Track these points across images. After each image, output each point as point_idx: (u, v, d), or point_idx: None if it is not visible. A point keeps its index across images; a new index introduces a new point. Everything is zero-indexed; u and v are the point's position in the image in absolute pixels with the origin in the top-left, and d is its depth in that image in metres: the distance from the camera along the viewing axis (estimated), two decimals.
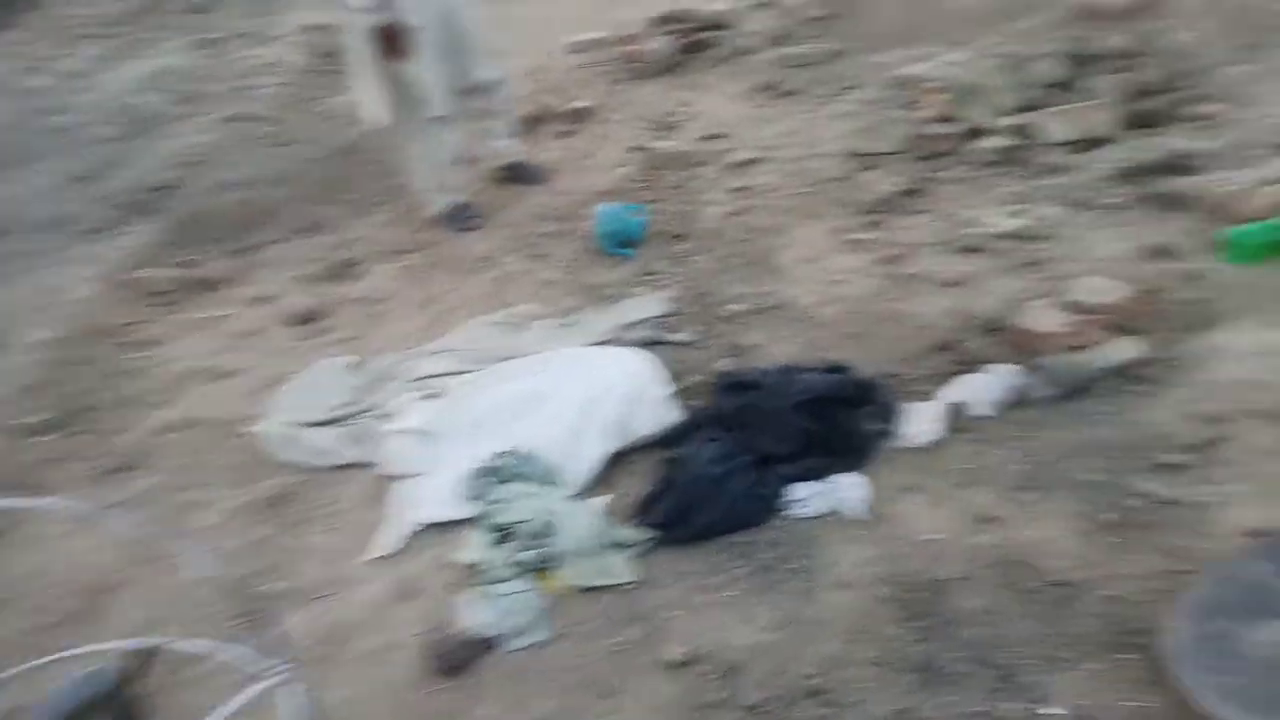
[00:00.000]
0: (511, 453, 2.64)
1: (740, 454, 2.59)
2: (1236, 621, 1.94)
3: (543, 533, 2.43)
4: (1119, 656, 1.99)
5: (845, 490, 2.50)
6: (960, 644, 2.09)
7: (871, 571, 2.31)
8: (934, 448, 2.60)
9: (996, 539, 2.31)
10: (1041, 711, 1.92)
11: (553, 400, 2.70)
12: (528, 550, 2.39)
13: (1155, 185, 3.47)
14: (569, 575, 2.39)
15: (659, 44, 5.33)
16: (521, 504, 2.47)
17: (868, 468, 2.58)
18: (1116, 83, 4.07)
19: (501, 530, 2.46)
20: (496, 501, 2.51)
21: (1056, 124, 3.96)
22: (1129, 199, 3.45)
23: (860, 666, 2.09)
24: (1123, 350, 2.70)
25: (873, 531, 2.41)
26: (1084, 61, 4.26)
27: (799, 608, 2.25)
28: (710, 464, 2.55)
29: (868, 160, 4.08)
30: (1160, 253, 3.12)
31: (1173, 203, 3.35)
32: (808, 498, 2.49)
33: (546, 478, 2.57)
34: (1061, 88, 4.21)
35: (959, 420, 2.66)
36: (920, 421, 2.66)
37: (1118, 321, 2.83)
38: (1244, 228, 3.03)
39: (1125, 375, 2.67)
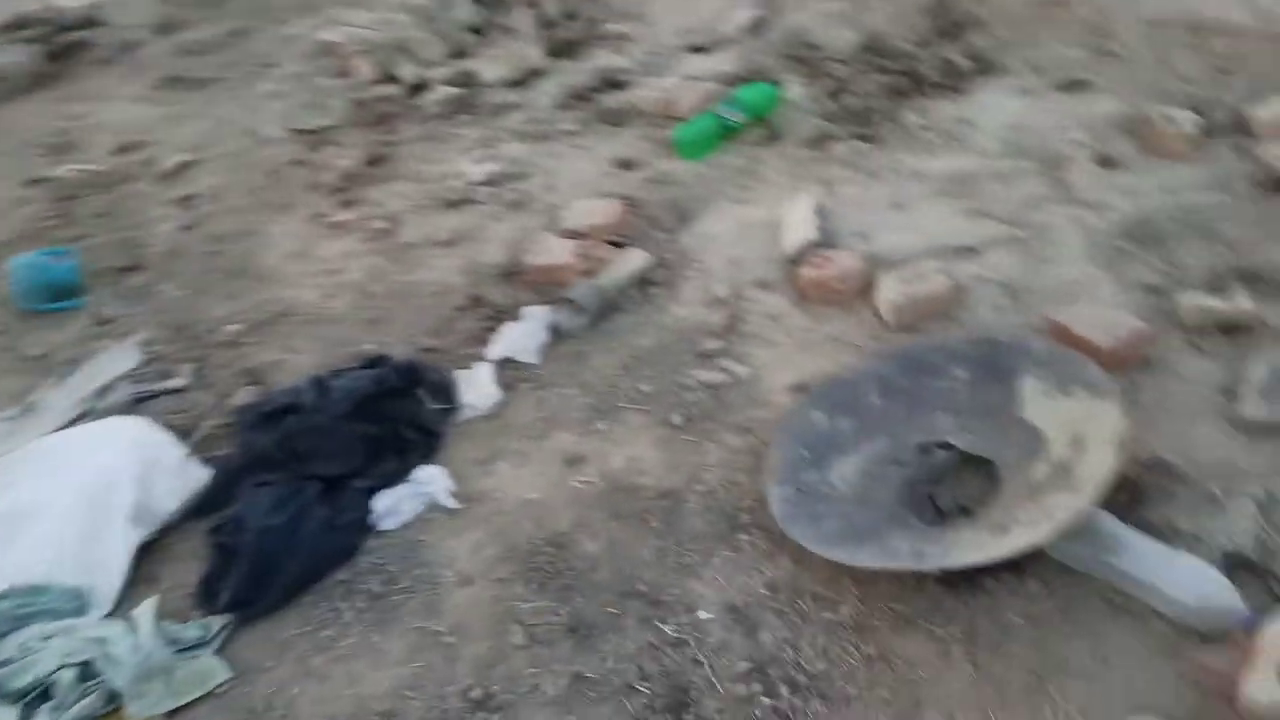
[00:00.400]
0: (8, 593, 1.99)
1: (301, 490, 2.23)
2: (814, 470, 2.13)
3: (88, 675, 1.87)
4: (739, 539, 2.07)
5: (429, 484, 2.29)
6: (599, 589, 2.03)
7: (488, 555, 2.14)
8: (499, 409, 2.49)
9: (591, 475, 2.27)
10: (701, 616, 1.94)
11: (43, 511, 2.08)
12: (78, 704, 1.83)
13: (599, 104, 3.67)
14: (144, 708, 1.89)
15: (16, 55, 4.38)
16: (46, 652, 1.88)
17: (443, 452, 2.39)
18: (530, 17, 4.21)
19: (27, 695, 1.85)
20: (7, 662, 1.88)
21: (491, 66, 4.00)
22: (581, 122, 3.61)
23: (515, 655, 1.94)
24: (632, 261, 2.81)
25: (473, 514, 2.24)
26: (493, 3, 4.34)
27: (428, 625, 2.02)
28: (270, 514, 2.17)
29: (317, 138, 3.77)
30: (626, 165, 3.31)
31: (620, 117, 3.57)
32: (394, 506, 2.24)
33: (68, 606, 1.99)
34: (481, 31, 4.26)
35: (512, 374, 2.57)
36: (476, 388, 2.53)
37: (615, 237, 2.95)
38: (684, 127, 3.32)
39: (642, 283, 2.78)
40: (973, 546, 1.84)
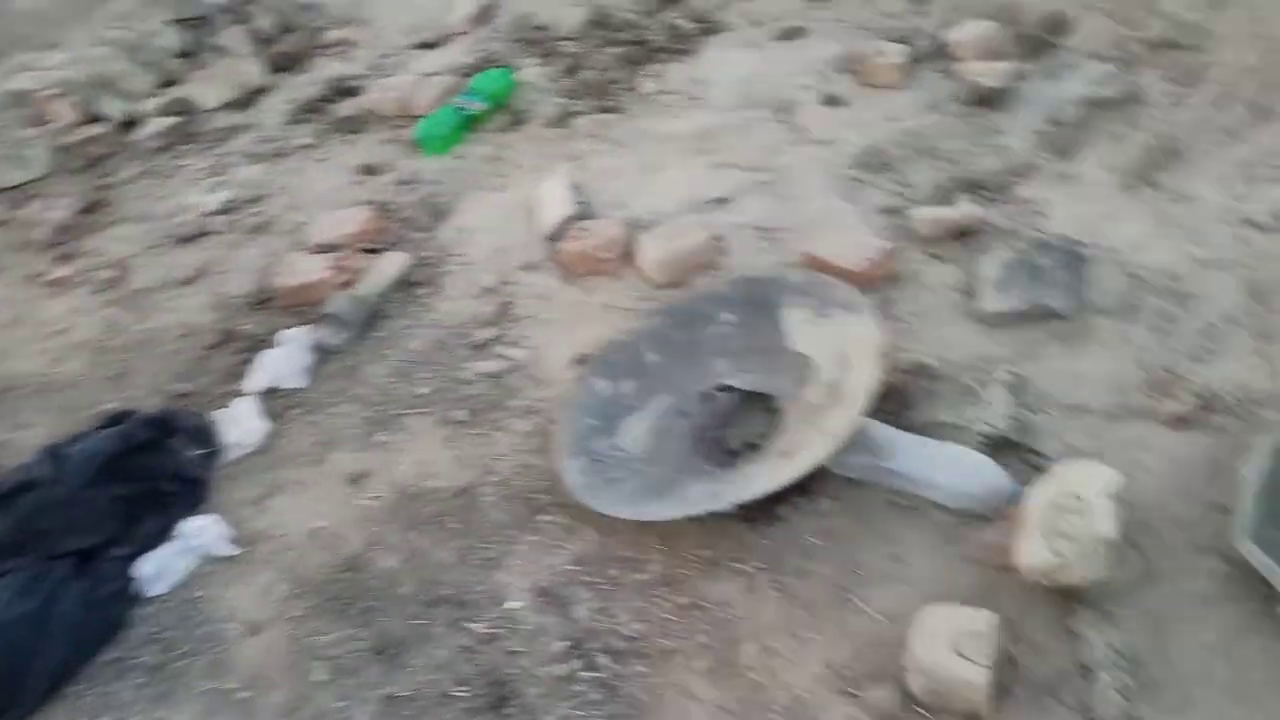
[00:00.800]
0: None
1: (49, 571, 1.99)
2: (604, 438, 2.10)
3: None
4: (539, 521, 2.01)
5: (199, 535, 2.09)
6: (403, 602, 1.92)
7: (277, 595, 1.98)
8: (270, 441, 2.32)
9: (379, 489, 2.15)
10: (511, 606, 1.87)
11: None
12: None
13: (333, 114, 3.51)
14: None
15: None
16: None
17: (212, 499, 2.20)
18: (243, 35, 3.97)
19: None
20: None
21: (208, 89, 3.75)
22: (317, 134, 3.43)
23: (320, 693, 1.80)
24: (390, 266, 2.69)
25: (255, 557, 2.07)
26: (199, 24, 4.06)
27: (219, 684, 1.85)
28: (13, 604, 1.91)
29: (19, 193, 3.41)
30: (371, 170, 3.17)
31: (357, 124, 3.42)
32: (162, 567, 2.03)
33: None
34: (190, 55, 3.98)
35: (279, 403, 2.40)
36: (239, 425, 2.34)
37: (370, 244, 2.82)
38: (425, 123, 3.21)
39: (405, 285, 2.67)
40: (762, 478, 1.86)
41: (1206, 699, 1.52)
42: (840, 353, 2.00)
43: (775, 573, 1.82)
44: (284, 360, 2.46)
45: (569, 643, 1.79)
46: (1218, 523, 1.70)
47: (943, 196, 2.57)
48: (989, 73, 2.87)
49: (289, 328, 2.55)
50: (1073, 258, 2.25)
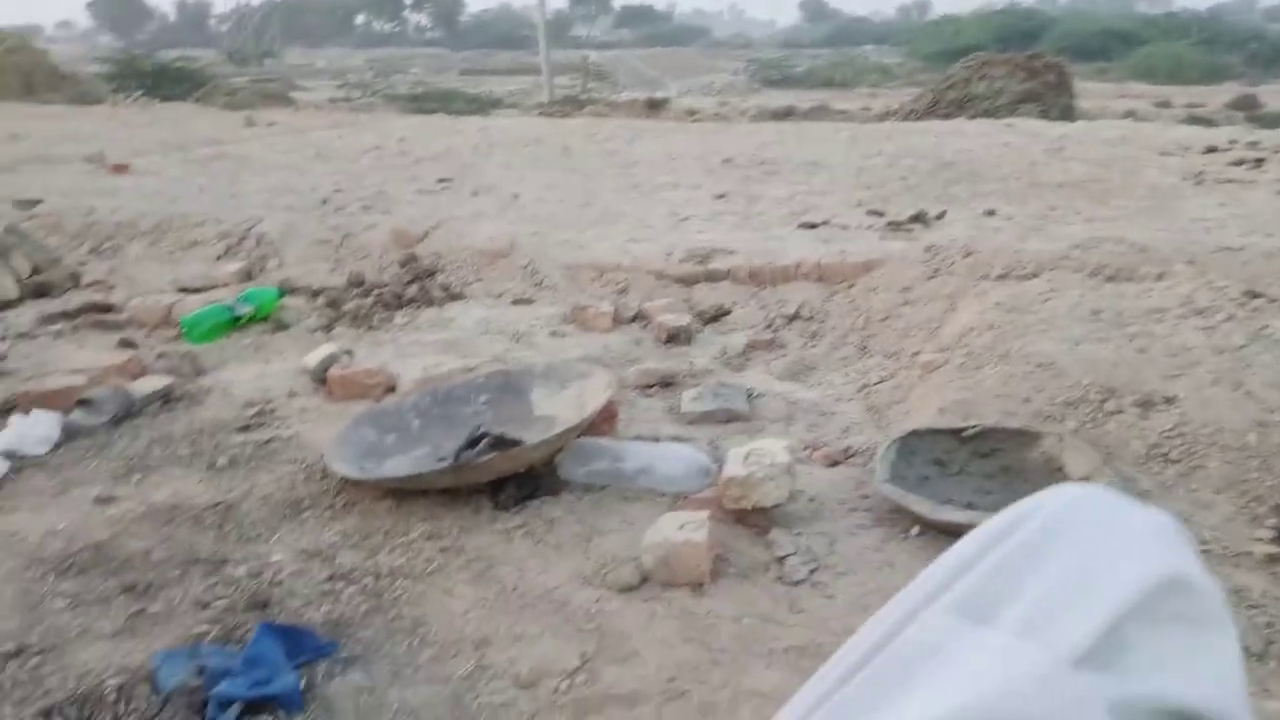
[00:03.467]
0: None
1: None
2: (371, 461, 2.33)
3: None
4: (303, 516, 2.14)
5: None
6: (155, 564, 1.92)
7: (7, 570, 1.90)
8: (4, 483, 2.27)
9: (130, 506, 2.16)
10: (275, 558, 1.93)
11: None
12: None
13: (91, 320, 3.70)
14: None
15: None
16: None
17: None
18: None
19: None
20: None
21: None
22: (74, 329, 3.60)
23: (58, 616, 1.72)
24: (151, 382, 2.84)
25: None
26: None
27: None
28: None
29: None
30: (130, 344, 3.36)
31: (116, 325, 3.64)
32: None
33: None
34: None
35: (16, 462, 2.38)
36: None
37: (136, 370, 2.97)
38: (192, 315, 3.52)
39: (165, 399, 2.81)
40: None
41: (865, 570, 1.94)
42: (580, 401, 2.46)
43: (528, 532, 2.08)
44: (29, 425, 2.48)
45: (332, 575, 1.89)
46: (864, 492, 2.24)
47: (644, 378, 3.23)
48: (675, 320, 3.74)
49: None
50: (748, 393, 2.94)
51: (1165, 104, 14.16)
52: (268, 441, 2.53)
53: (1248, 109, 12.29)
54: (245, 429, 2.61)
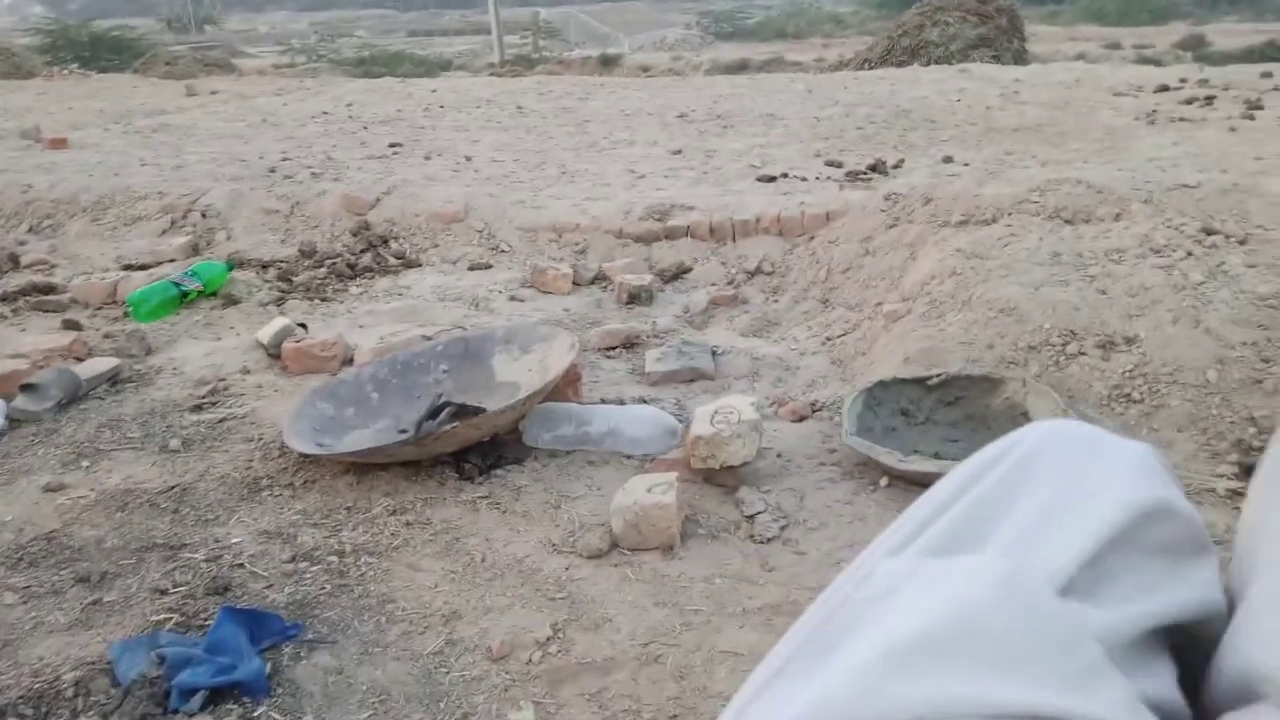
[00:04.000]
0: None
1: None
2: (329, 437, 2.27)
3: None
4: (262, 496, 2.09)
5: None
6: (109, 552, 1.86)
7: None
8: None
9: (80, 493, 2.10)
10: (234, 540, 1.88)
11: None
12: None
13: (32, 301, 3.58)
14: None
15: None
16: None
17: None
18: None
19: None
20: None
21: None
22: (14, 312, 3.47)
23: (9, 611, 1.66)
24: (99, 364, 2.75)
25: None
26: None
27: None
28: None
29: None
30: (75, 325, 3.25)
31: (58, 305, 3.52)
32: None
33: None
34: None
35: None
36: None
37: (75, 356, 2.87)
38: (138, 292, 3.41)
39: (113, 381, 2.72)
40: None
41: (836, 525, 1.93)
42: (543, 365, 2.41)
43: (494, 503, 2.04)
44: None
45: (295, 555, 1.85)
46: (832, 446, 2.23)
47: (606, 341, 3.19)
48: (636, 279, 3.69)
49: None
50: (712, 351, 2.91)
51: (1115, 45, 14.21)
52: (222, 420, 2.46)
53: (1195, 48, 12.37)
54: (198, 408, 2.54)
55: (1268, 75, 6.87)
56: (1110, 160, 4.42)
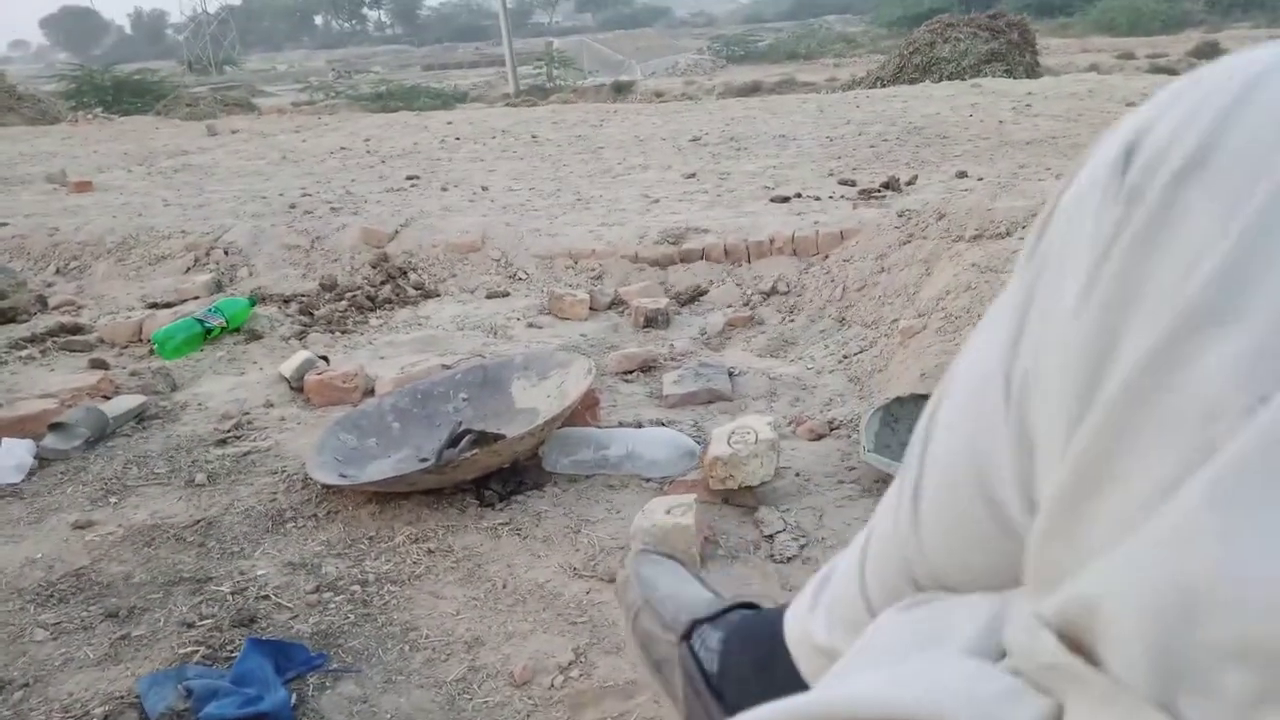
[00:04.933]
0: None
1: None
2: (352, 467, 2.30)
3: None
4: (287, 528, 2.11)
5: None
6: (137, 587, 1.88)
7: None
8: None
9: (108, 530, 2.13)
10: (259, 572, 1.91)
11: None
12: None
13: (60, 342, 3.64)
14: None
15: None
16: None
17: None
18: None
19: None
20: None
21: None
22: (41, 353, 3.53)
23: (39, 648, 1.69)
24: (127, 401, 2.80)
25: None
26: None
27: None
28: None
29: None
30: (103, 365, 3.30)
31: (86, 346, 3.58)
32: None
33: None
34: None
35: None
36: None
37: (102, 395, 2.92)
38: (163, 329, 3.46)
39: (140, 418, 2.76)
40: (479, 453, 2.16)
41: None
42: (561, 391, 2.43)
43: (515, 529, 2.05)
44: (1, 455, 2.43)
45: (319, 585, 1.87)
46: (851, 464, 2.23)
47: (623, 365, 3.21)
48: (652, 303, 3.72)
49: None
50: (729, 372, 2.92)
51: (1128, 55, 14.19)
52: (246, 454, 2.49)
53: (1210, 56, 12.32)
54: (223, 442, 2.58)
55: None
56: None
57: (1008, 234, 3.23)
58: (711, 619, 1.13)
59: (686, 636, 1.12)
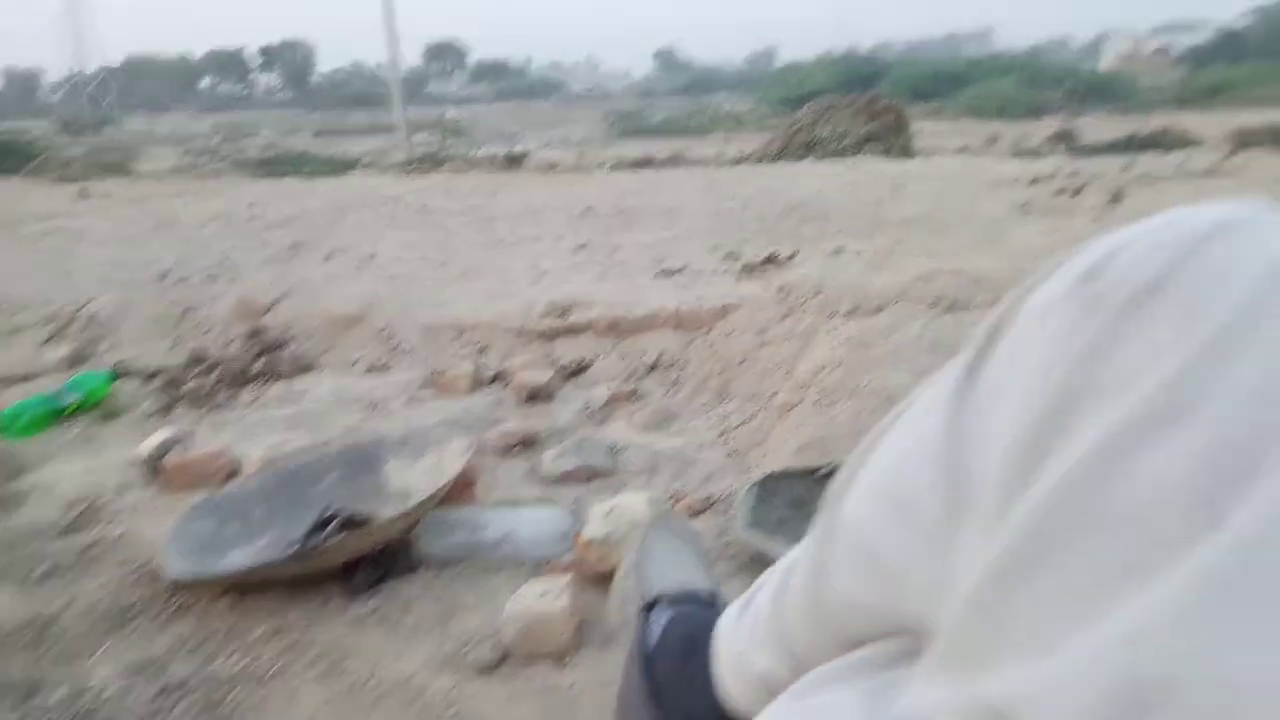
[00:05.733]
0: None
1: None
2: (212, 556, 2.17)
3: None
4: (131, 625, 1.96)
5: None
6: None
7: None
8: None
9: None
10: (95, 680, 1.76)
11: None
12: None
13: None
14: None
15: None
16: None
17: None
18: None
19: None
20: None
21: None
22: None
23: None
24: None
25: None
26: None
27: None
28: None
29: None
30: None
31: None
32: None
33: None
34: None
35: None
36: None
37: None
38: (8, 410, 3.25)
39: None
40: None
41: None
42: (438, 469, 2.37)
43: (381, 619, 1.97)
44: None
45: (164, 688, 1.74)
46: (727, 540, 2.23)
47: (506, 443, 3.16)
48: (536, 377, 3.68)
49: None
50: (611, 449, 2.90)
51: (995, 139, 15.09)
52: (93, 544, 2.33)
53: (1067, 141, 13.21)
54: (67, 532, 2.40)
55: (1127, 168, 7.37)
56: (988, 250, 4.64)
57: (880, 309, 3.34)
58: (674, 600, 1.14)
59: (649, 608, 1.12)
